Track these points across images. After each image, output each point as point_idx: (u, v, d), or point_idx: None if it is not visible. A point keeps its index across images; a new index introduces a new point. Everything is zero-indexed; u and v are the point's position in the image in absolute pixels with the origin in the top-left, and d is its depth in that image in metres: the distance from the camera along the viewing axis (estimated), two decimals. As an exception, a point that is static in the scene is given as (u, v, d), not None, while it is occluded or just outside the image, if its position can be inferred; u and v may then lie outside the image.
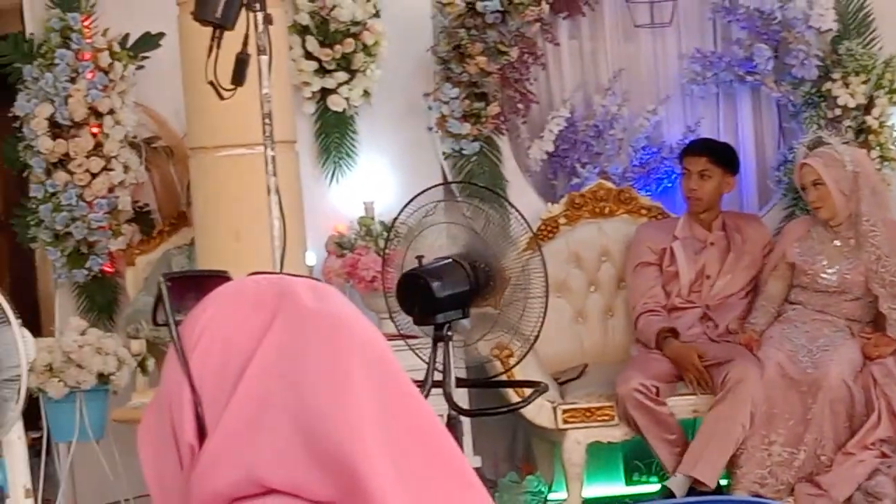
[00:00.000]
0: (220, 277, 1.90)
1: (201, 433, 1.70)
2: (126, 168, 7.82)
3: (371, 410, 1.67)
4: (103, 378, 6.77)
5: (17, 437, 5.13)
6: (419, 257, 5.54)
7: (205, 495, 1.67)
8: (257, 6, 5.04)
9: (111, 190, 7.79)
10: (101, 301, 8.00)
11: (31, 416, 5.34)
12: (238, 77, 5.07)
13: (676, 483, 7.09)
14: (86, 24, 7.86)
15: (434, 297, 5.24)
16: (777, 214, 8.31)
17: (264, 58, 5.09)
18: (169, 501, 1.75)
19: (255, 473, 1.66)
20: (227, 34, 5.06)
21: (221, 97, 5.12)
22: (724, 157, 7.84)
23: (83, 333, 6.94)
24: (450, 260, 5.41)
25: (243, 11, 5.04)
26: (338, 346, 1.70)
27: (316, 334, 1.70)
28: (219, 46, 5.04)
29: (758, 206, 8.53)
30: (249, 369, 1.68)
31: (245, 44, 5.06)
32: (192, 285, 1.91)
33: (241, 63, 5.05)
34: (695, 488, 6.98)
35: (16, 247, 10.24)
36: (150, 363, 7.19)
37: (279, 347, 1.69)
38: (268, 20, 5.08)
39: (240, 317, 1.73)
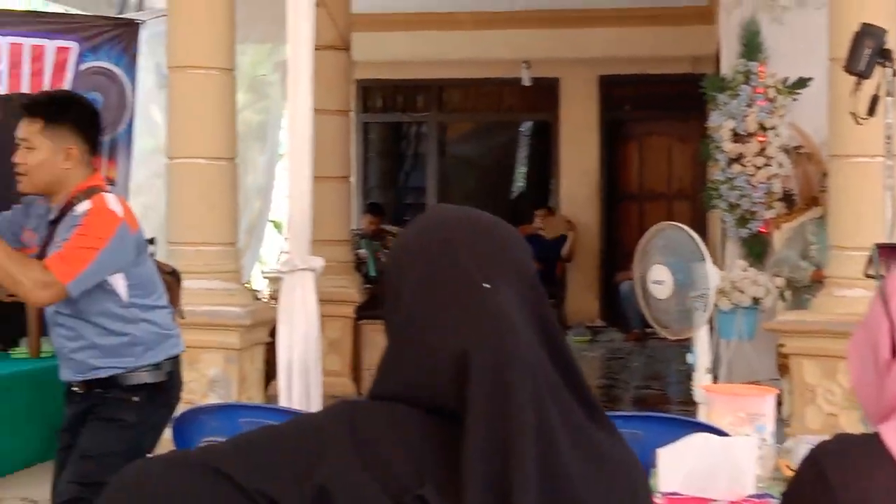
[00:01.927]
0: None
1: (894, 352, 1.65)
2: (780, 165, 7.90)
3: None
4: (755, 300, 6.83)
5: (703, 333, 5.26)
6: None
7: (893, 394, 1.65)
8: (889, 64, 5.02)
9: (769, 179, 7.89)
10: (756, 250, 8.03)
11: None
12: (871, 110, 5.05)
13: None
14: (760, 69, 7.96)
15: None
16: None
17: (890, 98, 5.07)
18: (863, 393, 1.72)
19: None
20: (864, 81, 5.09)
21: (858, 123, 5.13)
22: None
23: (745, 270, 7.05)
24: None
25: (877, 67, 5.06)
26: None
27: None
28: (859, 89, 5.06)
29: None
30: None
31: (878, 88, 5.07)
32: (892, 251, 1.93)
33: (875, 101, 5.04)
34: None
35: (695, 212, 10.55)
36: (787, 294, 7.17)
37: None
38: None
39: None
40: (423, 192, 13.45)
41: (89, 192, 3.75)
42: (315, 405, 4.83)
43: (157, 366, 3.84)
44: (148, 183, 8.53)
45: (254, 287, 9.45)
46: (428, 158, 13.46)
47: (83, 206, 3.70)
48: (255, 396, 6.27)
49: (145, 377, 3.82)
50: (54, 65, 7.79)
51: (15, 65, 7.70)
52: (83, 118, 3.86)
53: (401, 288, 1.59)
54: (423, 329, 1.55)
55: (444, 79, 13.02)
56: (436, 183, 13.37)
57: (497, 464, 1.45)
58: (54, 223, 3.79)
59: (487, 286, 1.54)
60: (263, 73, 9.50)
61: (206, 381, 6.06)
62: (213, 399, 5.95)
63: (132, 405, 3.81)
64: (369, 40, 9.99)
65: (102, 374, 3.79)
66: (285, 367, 4.86)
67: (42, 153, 3.74)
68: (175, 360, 3.94)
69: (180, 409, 3.89)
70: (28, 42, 7.83)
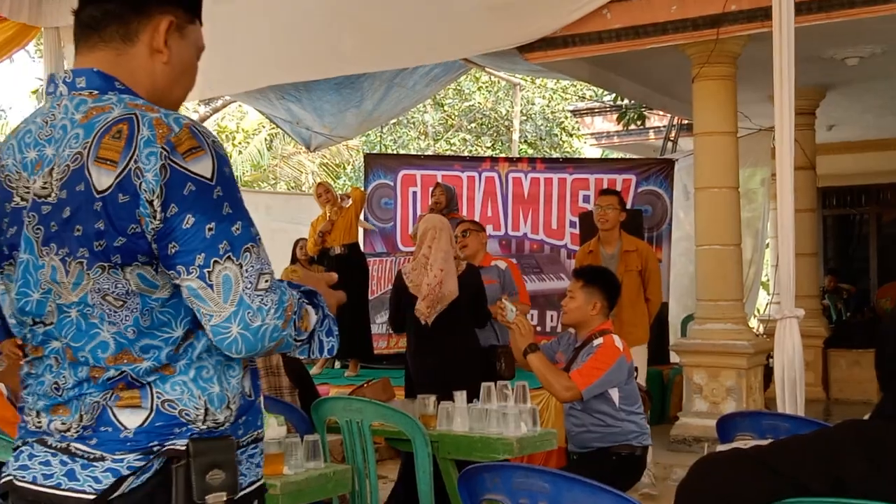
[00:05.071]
0: None
1: None
2: None
3: None
4: None
5: None
6: None
7: None
8: None
9: None
10: None
11: None
12: None
13: None
14: None
15: None
16: None
17: None
18: None
19: None
20: None
21: None
22: None
23: None
24: None
25: None
26: None
27: None
28: None
29: None
30: None
31: None
32: None
33: None
34: None
35: None
36: None
37: None
38: None
39: None
40: (865, 260, 12.06)
41: (602, 333, 3.66)
42: (800, 407, 4.38)
43: (630, 447, 3.61)
44: (676, 260, 8.40)
45: (751, 326, 8.90)
46: (869, 238, 12.07)
47: (598, 341, 3.62)
48: (757, 400, 5.79)
49: (622, 450, 3.61)
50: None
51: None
52: (608, 286, 3.75)
53: None
54: None
55: (881, 183, 11.58)
56: (876, 254, 11.93)
57: None
58: (578, 349, 3.71)
59: None
60: (753, 186, 9.03)
61: (724, 390, 5.68)
62: (729, 401, 5.58)
63: (611, 459, 3.61)
64: (827, 160, 9.18)
65: (593, 449, 3.64)
66: (780, 381, 4.44)
67: (577, 302, 3.69)
68: (644, 448, 3.66)
69: (719, 409, 3.60)
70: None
